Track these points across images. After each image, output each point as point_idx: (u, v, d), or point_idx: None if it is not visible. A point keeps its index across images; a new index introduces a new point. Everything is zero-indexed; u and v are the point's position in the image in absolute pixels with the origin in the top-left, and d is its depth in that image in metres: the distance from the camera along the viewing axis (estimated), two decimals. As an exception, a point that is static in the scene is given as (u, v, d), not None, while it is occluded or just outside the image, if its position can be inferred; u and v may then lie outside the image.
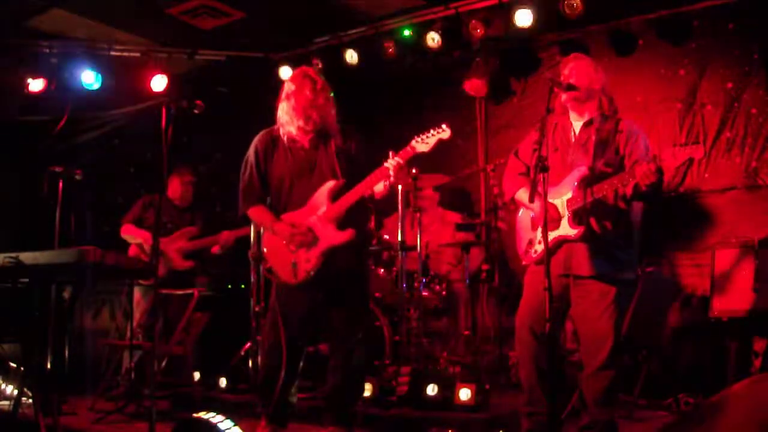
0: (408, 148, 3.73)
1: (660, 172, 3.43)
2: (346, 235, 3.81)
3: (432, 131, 3.72)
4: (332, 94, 4.01)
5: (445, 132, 3.70)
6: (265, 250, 4.04)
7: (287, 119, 3.93)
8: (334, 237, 3.83)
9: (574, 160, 3.80)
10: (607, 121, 3.83)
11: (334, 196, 3.86)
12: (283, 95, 3.96)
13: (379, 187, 3.86)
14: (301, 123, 3.90)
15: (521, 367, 3.88)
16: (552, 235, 3.61)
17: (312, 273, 3.84)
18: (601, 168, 3.72)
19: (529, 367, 3.78)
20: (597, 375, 3.64)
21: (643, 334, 4.83)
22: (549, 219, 3.56)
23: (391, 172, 3.71)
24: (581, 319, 3.75)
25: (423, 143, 3.71)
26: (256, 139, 4.06)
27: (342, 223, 3.84)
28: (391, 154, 3.75)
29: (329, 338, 4.12)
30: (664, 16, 5.69)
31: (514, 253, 4.12)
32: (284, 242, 3.88)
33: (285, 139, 3.97)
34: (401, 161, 3.70)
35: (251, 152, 4.04)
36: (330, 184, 3.87)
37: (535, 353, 3.73)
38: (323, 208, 3.85)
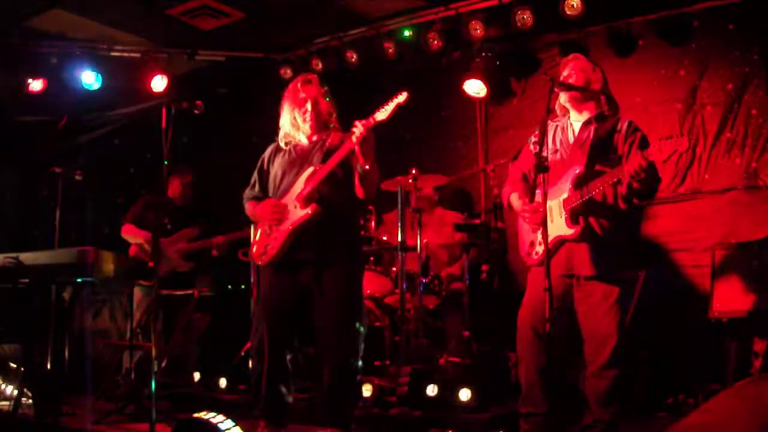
0: (370, 119, 3.73)
1: (651, 166, 3.43)
2: (308, 209, 3.82)
3: (392, 99, 3.72)
4: (325, 88, 4.06)
5: (401, 96, 3.69)
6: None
7: (283, 121, 4.07)
8: (297, 214, 3.85)
9: (572, 160, 3.81)
10: (605, 121, 3.84)
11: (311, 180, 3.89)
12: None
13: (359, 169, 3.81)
14: (293, 120, 4.01)
15: (521, 367, 3.88)
16: (551, 235, 3.61)
17: (277, 251, 3.86)
18: (598, 167, 3.71)
19: (529, 367, 3.78)
20: (599, 375, 3.65)
21: (643, 334, 4.83)
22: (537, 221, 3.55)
23: (355, 139, 3.68)
24: (584, 319, 3.74)
25: (383, 111, 3.71)
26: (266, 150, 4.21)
27: (310, 202, 3.85)
28: (354, 122, 3.73)
29: (316, 346, 4.10)
30: (664, 16, 5.67)
31: (517, 254, 4.13)
32: (263, 223, 3.96)
33: (285, 141, 4.08)
34: (363, 131, 3.66)
35: (260, 161, 4.19)
36: (309, 170, 3.91)
37: (536, 353, 3.73)
38: (299, 190, 3.89)
